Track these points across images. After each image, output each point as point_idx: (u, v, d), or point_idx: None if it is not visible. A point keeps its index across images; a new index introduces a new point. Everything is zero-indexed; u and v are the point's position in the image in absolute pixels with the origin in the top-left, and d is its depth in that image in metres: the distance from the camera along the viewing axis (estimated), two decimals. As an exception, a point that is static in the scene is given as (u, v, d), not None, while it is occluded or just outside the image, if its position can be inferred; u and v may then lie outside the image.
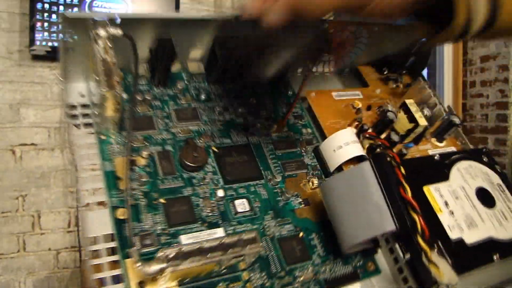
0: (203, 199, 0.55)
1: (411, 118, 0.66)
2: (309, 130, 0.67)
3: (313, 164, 0.64)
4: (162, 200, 0.53)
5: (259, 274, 0.52)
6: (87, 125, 0.58)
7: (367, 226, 0.50)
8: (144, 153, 0.55)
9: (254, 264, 0.52)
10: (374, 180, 0.51)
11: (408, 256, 0.56)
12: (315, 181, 0.61)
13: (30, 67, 1.42)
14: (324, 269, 0.55)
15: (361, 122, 0.66)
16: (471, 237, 0.56)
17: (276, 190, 0.59)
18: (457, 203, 0.59)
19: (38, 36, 1.36)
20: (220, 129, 0.62)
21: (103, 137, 0.56)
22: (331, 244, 0.56)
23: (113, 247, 0.49)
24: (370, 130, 0.65)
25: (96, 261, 0.49)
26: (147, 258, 0.49)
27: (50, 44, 1.39)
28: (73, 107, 0.59)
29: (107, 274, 0.48)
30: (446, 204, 0.58)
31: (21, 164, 1.35)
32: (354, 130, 0.65)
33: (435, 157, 0.63)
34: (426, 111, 0.69)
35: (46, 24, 1.38)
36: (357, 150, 0.60)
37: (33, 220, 1.32)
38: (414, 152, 0.69)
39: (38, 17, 1.37)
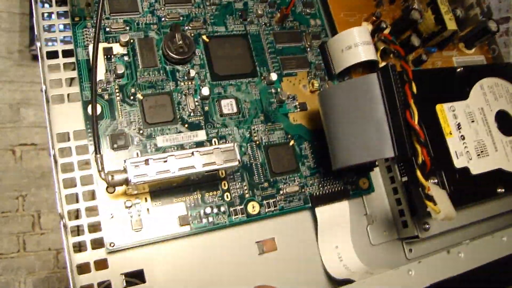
0: (185, 96, 0.49)
1: (439, 20, 0.56)
2: (318, 22, 0.58)
3: (317, 62, 0.56)
4: (139, 96, 0.47)
5: (240, 183, 0.48)
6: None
7: (364, 148, 0.45)
8: (123, 40, 0.48)
9: (235, 173, 0.48)
10: (379, 96, 0.44)
11: (405, 178, 0.52)
12: (316, 83, 0.54)
13: (30, 67, 1.37)
14: (312, 183, 0.51)
15: (380, 18, 0.57)
16: (478, 167, 0.51)
17: (270, 90, 0.53)
18: (471, 126, 0.52)
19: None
20: (214, 14, 0.53)
21: (76, 19, 0.48)
22: (325, 156, 0.51)
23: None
24: (388, 30, 0.56)
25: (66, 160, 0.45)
26: (120, 160, 0.45)
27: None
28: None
29: (76, 174, 0.45)
30: (459, 126, 0.51)
31: (21, 164, 1.31)
32: (369, 28, 0.56)
33: (458, 70, 0.55)
34: (459, 11, 0.59)
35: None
36: (368, 53, 0.52)
37: (33, 220, 1.30)
38: (437, 58, 0.60)
39: None
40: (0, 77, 1.30)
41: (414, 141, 0.43)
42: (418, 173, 0.43)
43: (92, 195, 0.45)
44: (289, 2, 0.54)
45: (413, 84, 0.45)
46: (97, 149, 0.42)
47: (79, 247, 0.44)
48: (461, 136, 0.51)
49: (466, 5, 0.59)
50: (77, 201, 0.45)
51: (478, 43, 0.62)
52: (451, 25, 0.56)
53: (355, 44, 0.52)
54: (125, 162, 0.41)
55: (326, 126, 0.48)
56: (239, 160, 0.43)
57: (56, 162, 0.44)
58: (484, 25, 0.58)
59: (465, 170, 0.50)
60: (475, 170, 0.51)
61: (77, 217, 0.44)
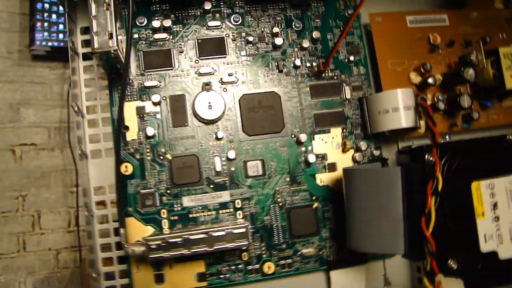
0: (212, 157, 0.50)
1: (498, 76, 0.51)
2: (362, 70, 0.54)
3: (354, 118, 0.54)
4: (168, 156, 0.50)
5: (258, 244, 0.51)
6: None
7: (377, 239, 0.45)
8: (154, 99, 0.50)
9: (254, 235, 0.50)
10: (399, 192, 0.43)
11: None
12: (349, 143, 0.52)
13: (30, 67, 1.34)
14: (330, 245, 0.52)
15: (429, 71, 0.52)
16: (508, 251, 0.49)
17: (299, 150, 0.52)
18: (510, 206, 0.49)
19: (38, 36, 1.30)
20: (248, 62, 0.52)
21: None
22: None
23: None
24: (438, 82, 0.51)
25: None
26: (147, 218, 0.49)
27: (50, 44, 1.32)
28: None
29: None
30: (495, 206, 0.48)
31: (21, 164, 1.31)
32: (417, 81, 0.52)
33: (509, 138, 0.50)
34: (529, 62, 0.52)
35: (46, 24, 1.31)
36: (406, 121, 0.49)
37: (33, 220, 1.32)
38: (493, 112, 0.55)
39: (38, 17, 1.30)
40: (0, 77, 1.31)
41: (425, 249, 0.42)
42: (425, 280, 0.43)
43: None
44: (328, 54, 0.52)
45: (440, 181, 0.43)
46: (121, 223, 0.46)
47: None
48: (495, 217, 0.48)
49: (536, 57, 0.51)
50: (110, 250, 0.50)
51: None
52: (511, 84, 0.50)
53: (395, 108, 0.49)
54: (144, 239, 0.45)
55: (346, 204, 0.48)
56: (249, 242, 0.46)
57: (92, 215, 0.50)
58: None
59: (492, 254, 0.48)
60: (504, 254, 0.48)
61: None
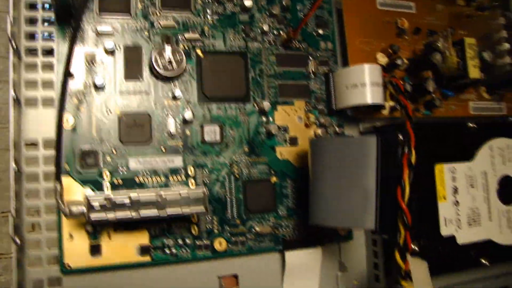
0: (167, 117, 0.46)
1: (461, 65, 0.51)
2: (330, 45, 0.52)
3: (319, 92, 0.51)
4: (117, 112, 0.44)
5: (211, 217, 0.46)
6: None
7: (345, 213, 0.42)
8: (108, 45, 0.44)
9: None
10: (374, 162, 0.41)
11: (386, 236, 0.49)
12: (313, 117, 0.50)
13: None
14: (287, 224, 0.48)
15: (397, 53, 0.51)
16: (466, 236, 0.48)
17: (260, 119, 0.49)
18: (469, 192, 0.48)
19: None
20: (214, 25, 0.49)
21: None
22: (307, 199, 0.49)
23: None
24: (404, 66, 0.51)
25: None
26: (86, 180, 0.43)
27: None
28: None
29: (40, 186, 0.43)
30: (455, 191, 0.48)
31: None
32: (384, 61, 0.51)
33: (469, 125, 0.50)
34: (488, 56, 0.53)
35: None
36: (375, 97, 0.47)
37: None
38: (452, 102, 0.55)
39: None
40: (0, 77, 1.28)
41: (399, 222, 0.40)
42: (397, 255, 0.40)
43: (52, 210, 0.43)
44: (299, 22, 0.49)
45: (413, 155, 0.41)
46: (58, 176, 0.40)
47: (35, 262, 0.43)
48: (455, 201, 0.47)
49: (497, 51, 0.52)
50: (38, 215, 0.43)
51: (502, 92, 0.56)
52: (474, 73, 0.50)
53: (363, 83, 0.47)
54: (85, 197, 0.39)
55: (311, 177, 0.45)
56: (207, 208, 0.41)
57: (20, 170, 0.42)
58: (512, 76, 0.52)
59: (451, 239, 0.47)
60: (462, 239, 0.47)
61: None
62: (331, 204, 0.42)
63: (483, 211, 0.49)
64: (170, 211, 0.40)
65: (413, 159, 0.42)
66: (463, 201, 0.48)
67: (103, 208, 0.39)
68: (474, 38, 0.52)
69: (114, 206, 0.39)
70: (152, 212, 0.40)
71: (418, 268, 0.43)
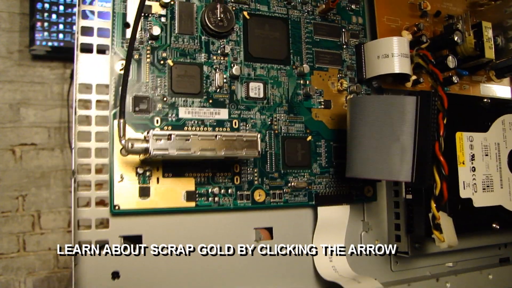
0: (215, 71, 0.48)
1: (479, 46, 0.56)
2: (360, 20, 0.56)
3: (350, 62, 0.55)
4: (170, 62, 0.46)
5: (252, 169, 0.48)
6: None
7: (383, 166, 0.45)
8: (163, 0, 0.46)
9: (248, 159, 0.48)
10: (412, 121, 0.44)
11: (409, 196, 0.53)
12: (345, 83, 0.53)
13: (30, 67, 1.35)
14: (320, 181, 0.51)
15: (421, 30, 0.55)
16: (480, 200, 0.52)
17: (299, 81, 0.52)
18: (484, 160, 0.53)
19: (38, 36, 1.31)
20: (259, -10, 0.52)
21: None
22: (338, 158, 0.52)
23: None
24: (426, 44, 0.55)
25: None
26: (138, 124, 0.44)
27: (50, 44, 1.33)
28: None
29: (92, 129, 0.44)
30: (472, 157, 0.52)
31: (21, 164, 1.30)
32: (409, 38, 0.55)
33: (484, 100, 0.55)
34: (500, 40, 0.58)
35: (46, 24, 1.32)
36: (403, 66, 0.51)
37: (33, 220, 1.29)
38: (465, 81, 0.60)
39: (38, 17, 1.31)
40: (0, 77, 1.30)
41: (435, 173, 0.44)
42: (433, 205, 0.44)
43: (103, 153, 0.44)
44: (336, -5, 0.53)
45: (446, 117, 0.45)
46: (122, 114, 0.41)
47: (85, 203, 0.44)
48: (473, 167, 0.52)
49: (508, 36, 0.58)
50: (89, 156, 0.44)
51: (509, 75, 0.61)
52: (489, 53, 0.55)
53: (392, 54, 0.51)
54: (148, 132, 0.40)
55: (350, 133, 0.48)
56: (259, 152, 0.43)
57: (75, 113, 0.43)
58: (520, 60, 0.58)
59: (469, 201, 0.51)
60: (478, 203, 0.52)
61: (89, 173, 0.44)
62: (370, 157, 0.46)
63: (496, 179, 0.53)
64: (227, 153, 0.42)
65: (445, 120, 0.46)
66: (479, 168, 0.52)
67: (166, 143, 0.40)
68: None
69: (175, 143, 0.40)
70: (210, 153, 0.42)
71: (446, 222, 0.46)
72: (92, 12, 0.46)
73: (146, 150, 0.40)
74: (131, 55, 0.43)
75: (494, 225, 0.53)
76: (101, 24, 0.46)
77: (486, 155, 0.53)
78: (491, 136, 0.54)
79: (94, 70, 0.45)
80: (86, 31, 0.45)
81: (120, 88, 0.42)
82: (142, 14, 0.45)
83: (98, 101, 0.45)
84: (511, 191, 0.54)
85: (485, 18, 0.60)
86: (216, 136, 0.42)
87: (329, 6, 0.52)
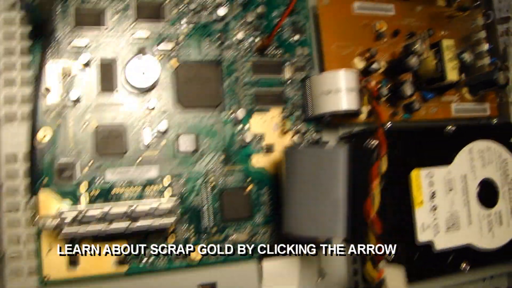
0: (142, 127, 0.46)
1: (440, 67, 0.50)
2: (306, 51, 0.52)
3: (296, 98, 0.51)
4: (93, 124, 0.45)
5: (186, 226, 0.46)
6: None
7: (316, 223, 0.42)
8: (83, 58, 0.45)
9: (183, 216, 0.46)
10: (342, 174, 0.41)
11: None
12: (289, 124, 0.50)
13: None
14: (264, 231, 0.48)
15: (374, 56, 0.51)
16: (444, 242, 0.47)
17: (236, 127, 0.49)
18: (448, 197, 0.48)
19: None
20: (188, 34, 0.49)
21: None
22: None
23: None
24: (382, 70, 0.50)
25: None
26: (64, 191, 0.43)
27: None
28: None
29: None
30: (433, 195, 0.47)
31: None
32: (361, 66, 0.51)
33: (447, 129, 0.50)
34: (468, 56, 0.52)
35: None
36: (351, 103, 0.47)
37: None
38: (433, 103, 0.54)
39: None
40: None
41: (369, 232, 0.40)
42: (368, 266, 0.41)
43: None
44: (272, 29, 0.49)
45: (384, 163, 0.41)
46: (33, 189, 0.41)
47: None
48: (433, 206, 0.47)
49: (476, 52, 0.52)
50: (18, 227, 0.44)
51: (483, 92, 0.55)
52: (452, 75, 0.50)
53: (338, 89, 0.47)
54: (58, 211, 0.40)
55: (284, 184, 0.45)
56: (177, 218, 0.42)
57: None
58: (492, 76, 0.51)
59: (428, 245, 0.47)
60: (440, 245, 0.47)
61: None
62: (302, 214, 0.43)
63: (463, 215, 0.48)
64: (141, 224, 0.41)
65: (384, 167, 0.42)
66: (441, 206, 0.48)
67: (75, 222, 0.39)
68: (455, 39, 0.51)
69: (86, 220, 0.39)
70: (122, 225, 0.40)
71: (394, 276, 0.43)
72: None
73: (58, 228, 0.40)
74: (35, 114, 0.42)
75: (463, 266, 0.48)
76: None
77: (450, 190, 0.48)
78: (456, 168, 0.49)
79: (19, 139, 0.44)
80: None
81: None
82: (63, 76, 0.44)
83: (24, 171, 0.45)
84: (482, 227, 0.49)
85: (451, 31, 0.54)
86: (131, 211, 0.41)
87: (264, 44, 0.49)
